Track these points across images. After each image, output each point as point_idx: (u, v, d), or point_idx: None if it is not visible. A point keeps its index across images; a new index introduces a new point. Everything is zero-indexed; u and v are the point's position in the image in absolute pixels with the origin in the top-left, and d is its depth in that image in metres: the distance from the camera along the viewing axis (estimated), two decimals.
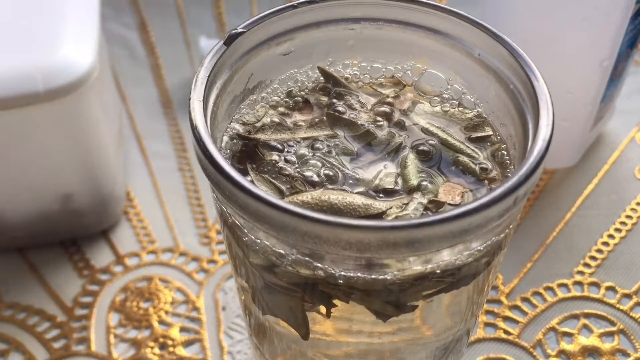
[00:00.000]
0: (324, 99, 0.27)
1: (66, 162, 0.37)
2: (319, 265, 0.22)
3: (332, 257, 0.21)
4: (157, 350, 0.36)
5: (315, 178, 0.24)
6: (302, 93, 0.28)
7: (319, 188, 0.24)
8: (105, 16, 0.52)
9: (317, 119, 0.26)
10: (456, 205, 0.24)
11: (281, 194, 0.24)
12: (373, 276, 0.22)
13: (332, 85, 0.28)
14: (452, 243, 0.21)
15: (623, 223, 0.41)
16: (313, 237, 0.20)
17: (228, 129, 0.26)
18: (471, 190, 0.25)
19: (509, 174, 0.25)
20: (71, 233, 0.40)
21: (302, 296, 0.23)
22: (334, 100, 0.27)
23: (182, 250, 0.40)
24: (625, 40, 0.38)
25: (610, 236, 0.41)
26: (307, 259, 0.22)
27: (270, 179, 0.24)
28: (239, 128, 0.26)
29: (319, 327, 0.25)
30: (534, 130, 0.23)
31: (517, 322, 0.37)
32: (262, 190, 0.21)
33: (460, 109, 0.27)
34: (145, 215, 0.42)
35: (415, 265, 0.22)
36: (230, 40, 0.25)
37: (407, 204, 0.24)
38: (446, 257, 0.22)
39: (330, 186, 0.24)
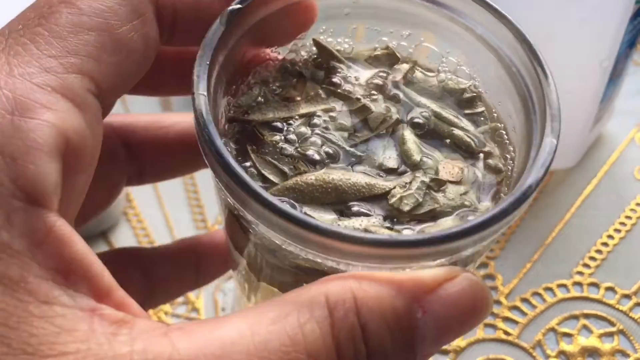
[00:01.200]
0: (319, 72, 0.27)
1: None
2: (327, 260, 0.22)
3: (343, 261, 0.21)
4: None
5: (317, 157, 0.24)
6: (296, 68, 0.27)
7: (320, 167, 0.24)
8: None
9: (312, 93, 0.26)
10: (457, 182, 0.24)
11: (284, 176, 0.24)
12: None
13: (325, 58, 0.27)
14: (447, 255, 0.21)
15: (622, 223, 0.41)
16: (330, 249, 0.20)
17: (225, 111, 0.26)
18: (468, 166, 0.25)
19: (508, 156, 0.25)
20: None
21: (307, 278, 0.24)
22: (329, 74, 0.27)
23: None
24: (624, 40, 0.38)
25: (610, 237, 0.41)
26: (316, 259, 0.22)
27: (273, 160, 0.24)
28: (235, 109, 0.25)
29: None
30: (538, 145, 0.23)
31: (516, 322, 0.37)
32: (278, 199, 0.20)
33: (454, 81, 0.27)
34: (145, 216, 0.42)
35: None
36: (229, 19, 0.24)
37: (410, 183, 0.24)
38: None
39: (332, 165, 0.24)
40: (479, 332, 0.37)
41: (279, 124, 0.25)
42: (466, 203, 0.24)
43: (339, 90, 0.26)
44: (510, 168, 0.25)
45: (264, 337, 0.18)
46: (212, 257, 0.31)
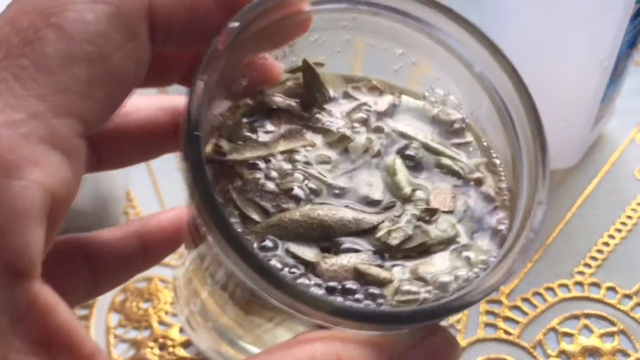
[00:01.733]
0: (295, 104, 0.26)
1: None
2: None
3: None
4: (156, 351, 0.36)
5: (300, 193, 0.23)
6: (274, 102, 0.25)
7: (304, 203, 0.23)
8: None
9: (291, 128, 0.25)
10: (450, 212, 0.24)
11: (266, 214, 0.23)
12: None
13: (310, 83, 0.26)
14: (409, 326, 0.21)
15: (623, 223, 0.41)
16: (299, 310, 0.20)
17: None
18: (459, 195, 0.24)
19: (502, 186, 0.25)
20: (71, 233, 0.40)
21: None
22: (310, 108, 0.26)
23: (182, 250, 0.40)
24: (625, 40, 0.38)
25: (611, 236, 0.41)
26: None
27: (254, 198, 0.23)
28: (213, 149, 0.24)
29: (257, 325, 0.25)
30: (521, 222, 0.22)
31: (517, 322, 0.37)
32: (276, 267, 0.20)
33: (444, 112, 0.26)
34: (145, 215, 0.42)
35: None
36: (223, 39, 0.22)
37: (399, 217, 0.23)
38: None
39: (316, 200, 0.23)
40: (480, 331, 0.37)
41: (258, 162, 0.24)
42: (457, 239, 0.23)
43: (318, 125, 0.25)
44: (505, 198, 0.24)
45: None
46: (159, 239, 0.30)
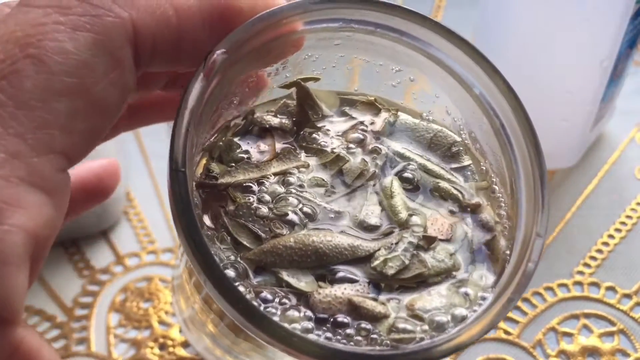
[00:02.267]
0: (288, 123, 0.25)
1: None
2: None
3: None
4: (157, 351, 0.36)
5: (294, 218, 0.23)
6: (266, 122, 0.25)
7: (299, 227, 0.23)
8: None
9: (284, 149, 0.24)
10: (447, 240, 0.23)
11: (259, 240, 0.22)
12: None
13: (304, 103, 0.25)
14: None
15: (623, 223, 0.41)
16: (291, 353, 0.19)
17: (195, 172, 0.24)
18: (456, 222, 0.24)
19: (501, 213, 0.24)
20: (71, 233, 0.40)
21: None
22: (303, 128, 0.25)
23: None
24: (625, 40, 0.38)
25: (610, 236, 0.41)
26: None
27: (247, 223, 0.23)
28: (204, 172, 0.24)
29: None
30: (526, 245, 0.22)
31: (517, 322, 0.37)
32: (277, 322, 0.20)
33: (442, 133, 0.26)
34: (145, 215, 0.42)
35: None
36: (212, 68, 0.21)
37: (396, 244, 0.23)
38: None
39: (310, 224, 0.23)
40: None
41: (251, 185, 0.23)
42: (455, 271, 0.23)
43: (313, 145, 0.25)
44: (505, 226, 0.24)
45: None
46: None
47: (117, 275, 0.39)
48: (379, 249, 0.22)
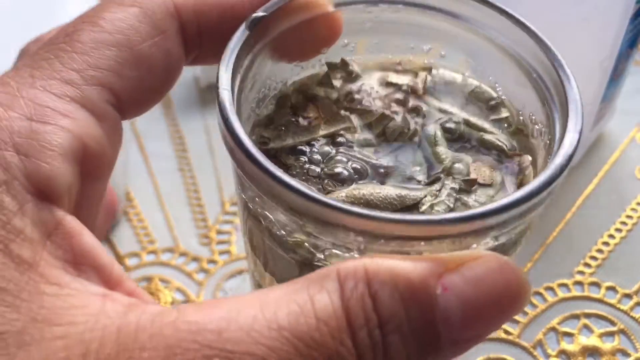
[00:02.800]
0: (334, 92, 0.27)
1: None
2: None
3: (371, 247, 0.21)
4: None
5: (345, 174, 0.24)
6: (312, 89, 0.27)
7: (348, 184, 0.24)
8: None
9: (330, 112, 0.26)
10: (489, 185, 0.24)
11: None
12: None
13: (344, 74, 0.27)
14: (476, 239, 0.20)
15: (623, 223, 0.41)
16: (358, 232, 0.20)
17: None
18: (499, 169, 0.25)
19: (540, 160, 0.25)
20: None
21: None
22: (348, 90, 0.27)
23: (182, 250, 0.40)
24: (625, 40, 0.38)
25: (611, 236, 0.41)
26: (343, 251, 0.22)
27: (299, 181, 0.24)
28: (256, 139, 0.25)
29: None
30: (562, 132, 0.22)
31: (517, 322, 0.37)
32: (301, 183, 0.20)
33: (480, 88, 0.27)
34: (145, 215, 0.42)
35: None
36: (252, 23, 0.24)
37: (439, 190, 0.24)
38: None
39: (360, 181, 0.24)
40: None
41: (301, 148, 0.25)
42: None
43: (358, 107, 0.26)
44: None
45: (272, 306, 0.18)
46: None
47: None
48: (425, 197, 0.23)
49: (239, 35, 0.24)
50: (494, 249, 0.22)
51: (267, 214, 0.23)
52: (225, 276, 0.39)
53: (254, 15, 0.24)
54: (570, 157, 0.21)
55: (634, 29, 0.38)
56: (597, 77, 0.39)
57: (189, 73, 0.50)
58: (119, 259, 0.40)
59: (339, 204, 0.19)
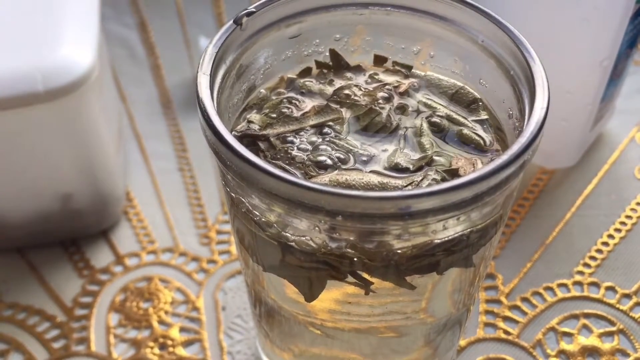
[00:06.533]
0: (326, 87, 0.28)
1: (66, 162, 0.37)
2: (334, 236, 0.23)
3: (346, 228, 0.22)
4: (157, 351, 0.36)
5: (329, 162, 0.25)
6: (304, 84, 0.28)
7: (331, 171, 0.25)
8: (105, 16, 0.52)
9: (322, 105, 0.27)
10: None
11: None
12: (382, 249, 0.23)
13: (336, 67, 0.28)
14: (447, 214, 0.22)
15: (623, 223, 0.41)
16: (331, 212, 0.21)
17: (237, 125, 0.27)
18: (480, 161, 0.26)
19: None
20: (71, 233, 0.40)
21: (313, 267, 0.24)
22: (338, 85, 0.28)
23: (182, 250, 0.40)
24: (625, 40, 0.38)
25: (610, 236, 0.41)
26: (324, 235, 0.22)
27: (284, 165, 0.25)
28: (247, 125, 0.27)
29: (319, 303, 0.26)
30: (530, 111, 0.24)
31: (516, 322, 0.37)
32: (273, 166, 0.22)
33: (464, 90, 0.28)
34: (145, 215, 0.42)
35: (415, 238, 0.23)
36: (240, 18, 0.25)
37: (421, 180, 0.24)
38: (445, 231, 0.23)
39: (343, 167, 0.25)
40: (479, 331, 0.37)
41: (289, 137, 0.26)
42: None
43: (347, 101, 0.27)
44: None
45: None
46: None
47: (117, 275, 0.39)
48: (406, 185, 0.24)
49: (227, 28, 0.25)
50: (468, 236, 0.23)
51: (242, 199, 0.24)
52: (225, 276, 0.39)
53: (244, 10, 0.25)
54: (538, 131, 0.22)
55: (633, 29, 0.38)
56: (597, 77, 0.39)
57: (190, 73, 0.51)
58: (119, 259, 0.40)
59: (296, 180, 0.21)
